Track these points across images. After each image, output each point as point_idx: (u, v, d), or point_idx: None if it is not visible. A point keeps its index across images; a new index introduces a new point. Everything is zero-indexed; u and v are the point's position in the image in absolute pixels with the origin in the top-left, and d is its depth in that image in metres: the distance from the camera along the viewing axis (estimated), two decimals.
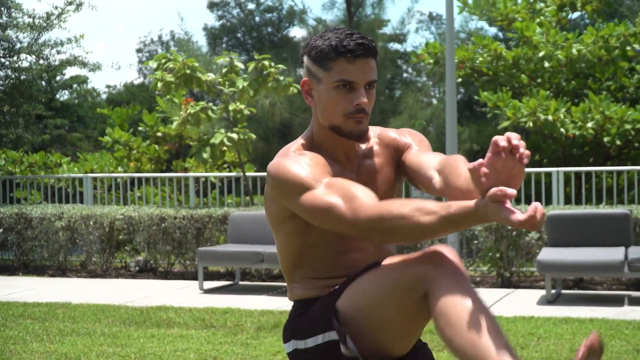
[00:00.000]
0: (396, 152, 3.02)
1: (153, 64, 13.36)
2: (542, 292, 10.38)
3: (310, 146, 2.89)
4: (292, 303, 3.11)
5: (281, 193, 2.80)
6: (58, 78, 15.20)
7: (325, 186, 2.65)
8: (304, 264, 2.99)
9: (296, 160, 2.76)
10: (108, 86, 45.45)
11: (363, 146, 2.96)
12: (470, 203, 2.33)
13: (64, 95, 35.71)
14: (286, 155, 2.84)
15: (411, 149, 3.00)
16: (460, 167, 2.65)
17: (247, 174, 13.84)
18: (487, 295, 9.93)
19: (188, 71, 12.96)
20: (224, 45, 40.21)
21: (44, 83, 15.90)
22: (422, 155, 2.92)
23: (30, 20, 15.31)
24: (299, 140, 2.95)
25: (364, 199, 2.58)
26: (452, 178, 2.68)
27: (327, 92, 2.79)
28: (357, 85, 2.73)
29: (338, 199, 2.61)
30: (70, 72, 30.84)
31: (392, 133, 3.06)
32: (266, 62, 13.14)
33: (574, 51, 16.81)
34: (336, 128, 2.81)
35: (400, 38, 21.43)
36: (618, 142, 15.44)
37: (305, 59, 2.90)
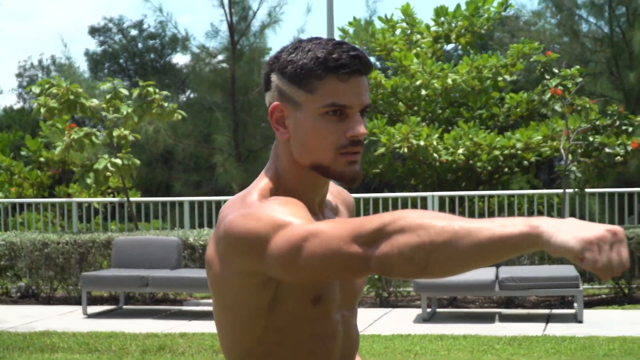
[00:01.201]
0: (350, 215, 2.36)
1: (36, 89, 13.19)
2: (419, 310, 10.64)
3: (277, 190, 2.05)
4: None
5: (248, 251, 1.94)
6: None
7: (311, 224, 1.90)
8: (267, 355, 2.14)
9: (265, 207, 1.94)
10: None
11: (329, 197, 2.24)
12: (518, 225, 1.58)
13: None
14: (249, 208, 1.98)
15: None
16: None
17: (132, 199, 13.81)
18: (367, 314, 10.13)
19: (72, 97, 12.86)
20: (106, 70, 39.76)
21: None
22: None
23: None
24: (260, 184, 2.08)
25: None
26: None
27: (311, 120, 1.98)
28: (352, 111, 1.96)
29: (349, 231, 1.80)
30: None
31: (347, 194, 2.40)
32: (150, 89, 13.10)
33: (449, 81, 17.20)
34: (321, 168, 2.02)
35: None
36: (489, 168, 15.91)
37: (274, 77, 2.06)
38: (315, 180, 2.06)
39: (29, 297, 12.68)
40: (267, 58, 19.10)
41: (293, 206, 1.92)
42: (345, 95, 1.94)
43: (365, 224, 1.72)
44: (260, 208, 1.94)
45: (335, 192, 2.29)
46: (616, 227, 1.50)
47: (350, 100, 1.94)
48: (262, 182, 2.07)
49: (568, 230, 1.50)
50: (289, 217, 1.85)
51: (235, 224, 1.94)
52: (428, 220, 1.63)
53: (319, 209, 2.11)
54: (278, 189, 2.04)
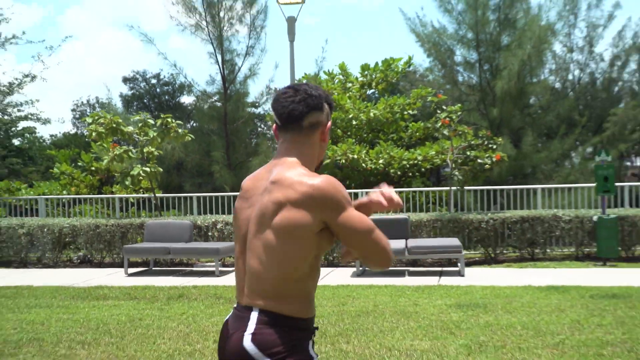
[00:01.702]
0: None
1: (89, 119, 13.17)
2: (354, 269, 10.73)
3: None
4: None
5: (332, 206, 2.12)
6: (13, 129, 14.64)
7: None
8: (310, 276, 2.21)
9: (332, 179, 2.17)
10: (51, 135, 43.58)
11: None
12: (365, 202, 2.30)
13: (17, 141, 34.17)
14: (319, 176, 2.15)
15: None
16: None
17: (157, 195, 13.69)
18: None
19: (114, 125, 12.85)
20: (134, 107, 39.31)
21: (1, 133, 15.25)
22: None
23: None
24: (303, 167, 2.24)
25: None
26: None
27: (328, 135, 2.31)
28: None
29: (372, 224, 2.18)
30: (22, 124, 29.68)
31: None
32: (169, 119, 13.17)
33: (371, 114, 17.34)
34: (321, 163, 2.33)
35: (257, 104, 21.54)
36: (399, 173, 16.05)
37: (326, 107, 2.29)
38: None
39: (86, 263, 12.57)
40: (248, 99, 18.87)
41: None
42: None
43: (382, 239, 2.23)
44: (330, 179, 2.15)
45: None
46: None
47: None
48: (301, 166, 2.22)
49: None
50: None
51: (323, 187, 2.12)
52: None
53: None
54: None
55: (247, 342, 2.11)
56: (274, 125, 2.34)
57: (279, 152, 2.30)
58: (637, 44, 22.57)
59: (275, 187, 2.16)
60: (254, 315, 2.14)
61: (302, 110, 2.23)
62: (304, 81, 20.31)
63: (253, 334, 2.11)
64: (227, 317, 2.29)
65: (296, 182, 2.14)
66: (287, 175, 2.17)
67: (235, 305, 2.26)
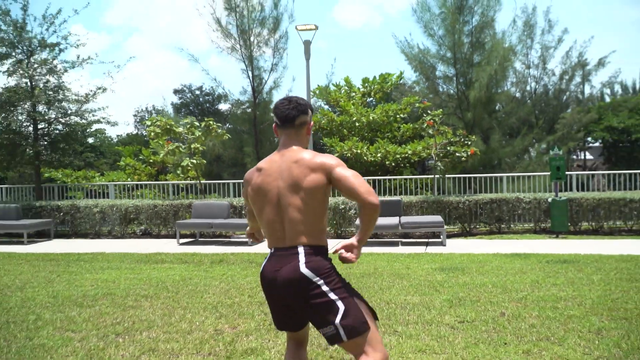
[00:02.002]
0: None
1: (148, 122, 13.17)
2: None
3: None
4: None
5: (333, 167, 2.48)
6: (88, 130, 14.78)
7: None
8: (326, 216, 2.56)
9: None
10: (118, 135, 43.73)
11: None
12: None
13: (91, 140, 34.36)
14: (323, 154, 2.57)
15: None
16: None
17: (202, 181, 13.67)
18: (329, 243, 10.17)
19: (168, 126, 12.79)
20: (182, 113, 39.26)
21: (79, 133, 15.30)
22: None
23: (76, 97, 14.79)
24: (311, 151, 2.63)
25: None
26: None
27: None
28: None
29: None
30: (95, 126, 29.81)
31: None
32: (211, 122, 13.12)
33: (371, 117, 17.26)
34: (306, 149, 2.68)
35: None
36: (393, 164, 15.96)
37: (309, 112, 2.64)
38: None
39: (146, 235, 12.59)
40: (273, 105, 19.09)
41: None
42: None
43: (365, 185, 2.54)
44: (330, 155, 2.57)
45: None
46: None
47: None
48: (306, 150, 2.58)
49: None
50: None
51: (328, 159, 2.52)
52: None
53: None
54: None
55: (304, 269, 2.38)
56: (274, 124, 2.68)
57: (282, 143, 2.61)
58: (581, 61, 22.33)
59: (298, 164, 2.50)
60: (301, 250, 2.42)
61: (294, 114, 2.57)
62: (317, 92, 20.34)
63: (306, 262, 2.39)
64: (264, 264, 2.53)
65: (312, 158, 2.52)
66: (304, 155, 2.52)
67: (272, 251, 2.51)
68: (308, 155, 2.54)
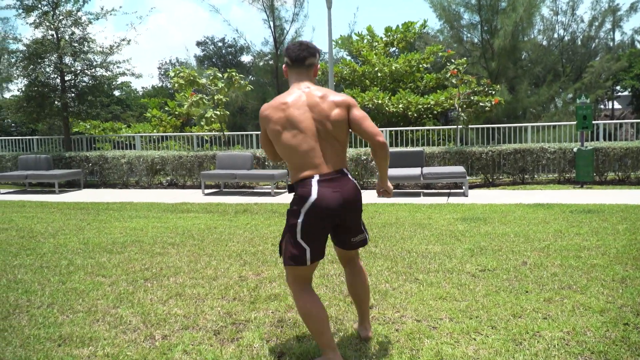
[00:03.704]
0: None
1: (172, 74, 13.11)
2: None
3: None
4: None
5: (352, 105, 2.79)
6: (114, 82, 14.69)
7: None
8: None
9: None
10: (143, 87, 43.80)
11: None
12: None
13: (117, 92, 34.44)
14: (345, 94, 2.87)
15: None
16: None
17: (225, 133, 13.67)
18: None
19: (191, 78, 12.72)
20: (205, 65, 39.00)
21: (105, 86, 15.30)
22: None
23: (101, 49, 14.73)
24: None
25: None
26: None
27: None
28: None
29: None
30: (121, 78, 29.79)
31: None
32: (233, 73, 12.98)
33: (393, 67, 16.93)
34: None
35: None
36: (415, 115, 15.72)
37: (317, 55, 2.87)
38: None
39: (172, 185, 12.73)
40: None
41: None
42: None
43: (375, 128, 2.87)
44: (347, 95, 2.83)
45: None
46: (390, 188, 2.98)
47: None
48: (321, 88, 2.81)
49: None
50: None
51: (348, 98, 2.80)
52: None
53: None
54: None
55: (357, 185, 2.80)
56: (284, 65, 2.87)
57: (296, 80, 2.82)
58: (612, 6, 21.36)
59: (324, 99, 2.75)
60: (347, 173, 2.77)
61: (305, 55, 2.78)
62: (339, 42, 19.94)
63: (355, 180, 3.03)
64: (316, 190, 2.67)
65: (336, 95, 2.78)
66: (327, 92, 2.77)
67: (318, 178, 2.68)
68: (331, 92, 2.80)
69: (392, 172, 10.00)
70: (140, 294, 4.23)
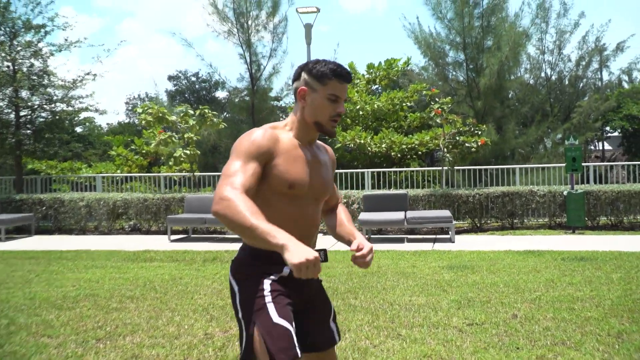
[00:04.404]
0: (332, 160, 2.45)
1: (139, 110, 13.10)
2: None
3: (284, 127, 2.23)
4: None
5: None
6: (76, 118, 14.55)
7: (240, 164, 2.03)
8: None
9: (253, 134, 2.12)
10: (108, 124, 43.67)
11: (318, 142, 2.36)
12: (278, 240, 1.78)
13: (79, 129, 34.28)
14: (261, 128, 2.16)
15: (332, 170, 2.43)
16: (338, 214, 2.44)
17: (196, 173, 13.57)
18: (327, 241, 10.06)
19: (160, 114, 12.73)
20: (177, 100, 39.18)
21: (67, 122, 15.19)
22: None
23: (63, 82, 14.66)
24: (279, 123, 2.25)
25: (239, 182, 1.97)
26: (330, 216, 2.46)
27: (321, 99, 2.17)
28: (340, 100, 2.20)
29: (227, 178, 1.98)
30: (84, 114, 29.65)
31: (331, 150, 2.48)
32: (206, 110, 13.07)
33: (375, 106, 17.13)
34: (319, 125, 2.19)
35: (279, 98, 21.33)
36: (399, 155, 15.82)
37: (304, 74, 2.22)
38: (310, 130, 2.22)
39: (135, 230, 12.53)
40: (272, 93, 18.55)
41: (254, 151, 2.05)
42: (340, 91, 2.18)
43: (222, 184, 1.96)
44: (250, 132, 2.12)
45: (327, 146, 2.42)
46: (311, 256, 1.75)
47: (341, 94, 2.19)
48: (280, 122, 2.24)
49: (292, 255, 1.74)
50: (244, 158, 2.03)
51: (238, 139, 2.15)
52: (242, 210, 1.84)
53: (308, 145, 2.23)
54: (287, 128, 2.22)
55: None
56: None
57: None
58: (599, 46, 22.12)
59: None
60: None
61: (293, 82, 2.34)
62: None
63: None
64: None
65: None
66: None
67: None
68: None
69: (374, 216, 9.96)
70: (90, 357, 4.02)
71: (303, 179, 2.15)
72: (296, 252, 1.74)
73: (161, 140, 12.52)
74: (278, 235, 1.79)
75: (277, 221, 2.06)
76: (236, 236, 11.33)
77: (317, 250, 2.08)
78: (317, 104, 2.19)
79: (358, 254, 2.12)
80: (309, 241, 2.20)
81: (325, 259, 1.99)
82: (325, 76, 2.17)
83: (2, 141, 14.20)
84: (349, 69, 2.30)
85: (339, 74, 2.17)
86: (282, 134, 2.19)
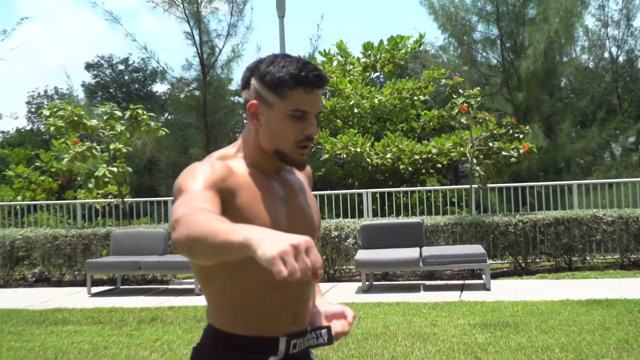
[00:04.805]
0: (309, 180, 2.43)
1: (46, 112, 13.11)
2: (359, 284, 10.56)
3: (236, 155, 2.17)
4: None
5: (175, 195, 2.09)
6: None
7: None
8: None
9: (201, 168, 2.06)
10: (3, 132, 43.50)
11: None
12: (244, 235, 1.59)
13: None
14: (204, 161, 2.13)
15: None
16: None
17: (125, 200, 13.52)
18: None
19: (76, 118, 12.74)
20: (99, 98, 39.21)
21: None
22: None
23: None
24: (227, 150, 2.21)
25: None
26: None
27: (279, 119, 2.09)
28: (309, 116, 2.10)
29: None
30: None
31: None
32: (139, 111, 13.11)
33: (376, 101, 17.21)
34: (281, 154, 2.14)
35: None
36: (410, 169, 15.89)
37: (254, 81, 2.15)
38: (270, 159, 2.16)
39: (42, 281, 12.47)
40: (232, 86, 18.66)
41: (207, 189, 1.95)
42: (308, 104, 2.07)
43: (173, 215, 1.80)
44: (195, 165, 2.07)
45: None
46: (298, 240, 1.54)
47: (310, 107, 2.08)
48: (229, 147, 2.21)
49: (265, 246, 1.52)
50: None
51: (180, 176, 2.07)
52: (199, 219, 1.69)
53: (275, 174, 2.20)
54: (237, 155, 2.16)
55: None
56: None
57: None
58: None
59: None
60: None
61: (241, 90, 2.25)
62: None
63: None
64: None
65: None
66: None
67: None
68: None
69: (377, 254, 9.96)
70: None
71: (278, 223, 2.08)
72: (271, 240, 1.54)
73: (77, 153, 12.48)
74: (242, 230, 1.61)
75: (252, 296, 2.08)
76: (184, 286, 11.26)
77: (315, 329, 2.16)
78: (276, 126, 2.11)
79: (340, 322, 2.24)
80: (303, 313, 2.18)
81: (330, 341, 2.04)
82: (284, 84, 2.07)
83: None
84: (319, 70, 2.15)
85: (305, 79, 2.05)
86: (235, 164, 2.13)
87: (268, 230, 1.61)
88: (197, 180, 1.98)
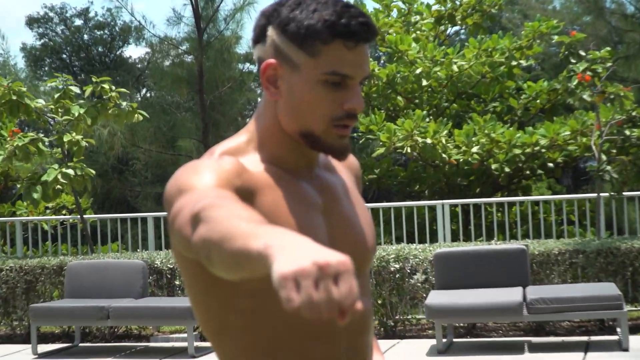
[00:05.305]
0: (356, 179, 2.43)
1: None
2: (432, 341, 10.51)
3: (248, 147, 2.18)
4: None
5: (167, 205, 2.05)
6: None
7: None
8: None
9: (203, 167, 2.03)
10: None
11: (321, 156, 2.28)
12: (265, 242, 1.53)
13: None
14: (209, 158, 2.12)
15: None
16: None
17: (86, 216, 13.63)
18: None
19: (14, 97, 12.70)
20: (46, 68, 39.63)
21: None
22: None
23: None
24: (234, 141, 2.21)
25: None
26: None
27: (308, 85, 2.06)
28: (352, 82, 2.05)
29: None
30: None
31: (351, 157, 2.40)
32: (106, 86, 13.00)
33: (455, 68, 17.12)
34: (311, 137, 2.12)
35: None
36: (507, 170, 15.76)
37: (271, 31, 2.14)
38: (298, 147, 2.15)
39: None
40: (240, 48, 18.70)
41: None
42: (350, 64, 2.04)
43: (194, 206, 1.75)
44: (188, 165, 2.05)
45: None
46: (329, 259, 1.43)
47: (353, 70, 2.04)
48: (234, 140, 2.20)
49: (282, 258, 1.44)
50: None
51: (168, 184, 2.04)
52: (221, 213, 1.65)
53: (306, 171, 2.19)
54: (247, 149, 2.15)
55: None
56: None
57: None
58: None
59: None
60: None
61: (253, 45, 2.27)
62: None
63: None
64: None
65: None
66: None
67: None
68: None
69: (459, 297, 9.93)
70: None
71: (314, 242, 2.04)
72: (294, 251, 1.49)
73: (16, 149, 12.58)
74: (266, 233, 1.58)
75: (284, 350, 2.09)
76: (173, 343, 11.30)
77: None
78: (303, 96, 2.09)
79: None
80: None
81: None
82: (315, 35, 2.04)
83: None
84: (366, 16, 2.08)
85: (346, 29, 2.02)
86: (249, 161, 2.13)
87: (302, 237, 1.55)
88: (202, 177, 1.95)
